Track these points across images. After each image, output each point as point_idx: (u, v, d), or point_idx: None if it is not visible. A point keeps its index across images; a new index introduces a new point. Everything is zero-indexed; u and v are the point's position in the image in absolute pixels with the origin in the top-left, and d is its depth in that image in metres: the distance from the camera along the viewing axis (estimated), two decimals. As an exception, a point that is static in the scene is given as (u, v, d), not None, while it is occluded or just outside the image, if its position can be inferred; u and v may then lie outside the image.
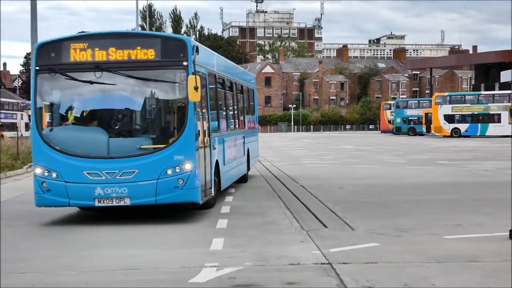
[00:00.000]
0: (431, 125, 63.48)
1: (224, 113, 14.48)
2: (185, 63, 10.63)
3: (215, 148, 12.50)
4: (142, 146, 10.70)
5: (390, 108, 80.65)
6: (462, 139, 57.03)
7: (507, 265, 7.36)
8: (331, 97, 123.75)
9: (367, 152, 35.52)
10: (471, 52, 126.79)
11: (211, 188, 12.01)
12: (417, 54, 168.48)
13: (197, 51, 10.78)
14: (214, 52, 14.06)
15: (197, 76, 10.40)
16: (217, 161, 12.75)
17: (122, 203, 10.59)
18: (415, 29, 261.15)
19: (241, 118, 17.37)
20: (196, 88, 10.25)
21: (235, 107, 16.37)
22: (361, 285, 6.55)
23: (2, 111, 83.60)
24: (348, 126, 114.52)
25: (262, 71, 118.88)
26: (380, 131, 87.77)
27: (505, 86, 65.03)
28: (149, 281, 6.94)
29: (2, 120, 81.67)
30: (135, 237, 9.75)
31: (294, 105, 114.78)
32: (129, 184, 10.50)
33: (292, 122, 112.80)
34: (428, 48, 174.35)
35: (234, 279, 6.88)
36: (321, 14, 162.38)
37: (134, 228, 10.50)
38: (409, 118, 73.13)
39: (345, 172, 21.60)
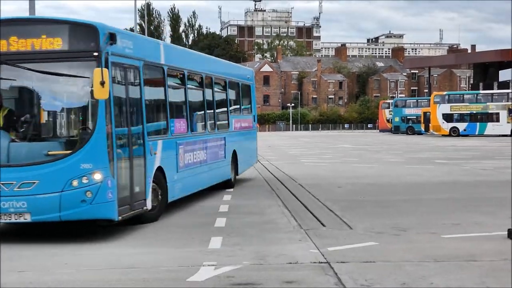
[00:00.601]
0: (430, 124, 63.49)
1: (184, 112, 13.04)
2: (96, 54, 9.10)
3: (156, 153, 10.94)
4: (50, 153, 9.24)
5: (388, 107, 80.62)
6: (460, 138, 57.05)
7: (506, 264, 7.36)
8: (329, 96, 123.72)
9: (365, 151, 35.52)
10: (469, 51, 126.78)
11: (144, 200, 10.38)
12: (415, 53, 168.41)
13: (112, 39, 9.28)
14: (164, 42, 11.96)
15: (104, 69, 8.82)
16: (161, 168, 11.18)
17: (22, 219, 9.14)
18: (414, 28, 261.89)
19: (221, 117, 15.89)
20: (102, 84, 8.70)
21: (209, 105, 14.71)
22: (359, 284, 6.55)
23: None
24: (346, 125, 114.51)
25: (261, 70, 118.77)
26: (378, 130, 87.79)
27: (503, 85, 64.97)
28: (147, 280, 6.93)
29: None
30: (133, 236, 9.72)
31: (293, 104, 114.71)
32: (28, 198, 9.02)
33: (291, 121, 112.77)
34: (426, 47, 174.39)
35: (232, 278, 6.87)
36: (320, 13, 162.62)
37: (132, 227, 10.44)
38: (408, 117, 73.10)
39: (343, 171, 21.61)
